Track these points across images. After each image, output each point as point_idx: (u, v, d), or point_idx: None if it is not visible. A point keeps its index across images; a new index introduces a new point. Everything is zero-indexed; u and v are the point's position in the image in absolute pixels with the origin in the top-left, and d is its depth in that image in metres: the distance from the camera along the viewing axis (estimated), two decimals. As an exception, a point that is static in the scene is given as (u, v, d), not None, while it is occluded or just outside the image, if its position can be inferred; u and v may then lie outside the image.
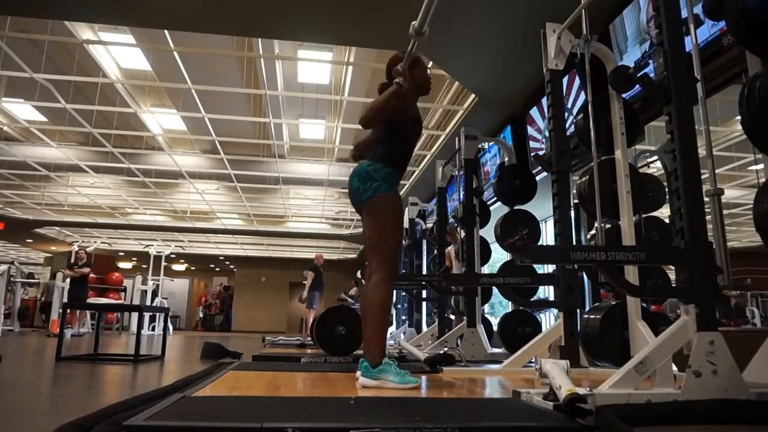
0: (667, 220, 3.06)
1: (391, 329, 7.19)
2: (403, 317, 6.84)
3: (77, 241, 12.63)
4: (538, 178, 4.73)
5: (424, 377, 2.54)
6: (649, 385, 1.70)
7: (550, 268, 4.18)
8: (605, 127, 2.47)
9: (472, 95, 6.03)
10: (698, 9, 2.79)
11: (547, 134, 5.09)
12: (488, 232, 4.82)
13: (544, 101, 3.00)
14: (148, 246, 13.82)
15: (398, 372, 2.14)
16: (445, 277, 3.94)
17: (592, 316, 2.51)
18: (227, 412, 1.45)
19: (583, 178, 2.65)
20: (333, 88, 7.08)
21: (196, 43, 5.81)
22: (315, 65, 6.56)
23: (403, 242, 3.28)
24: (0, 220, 12.51)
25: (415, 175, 9.23)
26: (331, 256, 17.04)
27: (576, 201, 2.99)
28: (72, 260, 9.96)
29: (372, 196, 2.33)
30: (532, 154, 5.46)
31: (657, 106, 1.86)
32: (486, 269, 5.11)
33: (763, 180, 1.98)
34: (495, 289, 4.69)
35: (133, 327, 9.81)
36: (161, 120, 8.40)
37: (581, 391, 1.43)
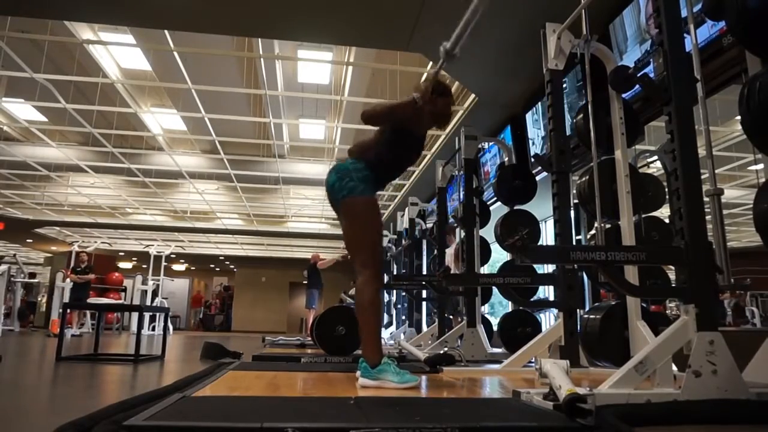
0: (667, 220, 3.06)
1: (391, 329, 7.19)
2: (403, 317, 6.84)
3: (77, 241, 12.62)
4: (538, 178, 4.73)
5: (423, 377, 2.54)
6: (649, 385, 1.70)
7: (550, 268, 4.18)
8: (605, 127, 2.47)
9: (472, 95, 6.03)
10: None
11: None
12: (488, 232, 4.82)
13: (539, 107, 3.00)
14: (148, 246, 13.82)
15: (397, 371, 2.14)
16: (445, 277, 3.93)
17: (592, 316, 2.51)
18: (227, 412, 1.45)
19: (583, 178, 2.65)
20: (333, 88, 7.08)
21: (196, 43, 5.81)
22: (315, 65, 6.56)
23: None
24: (0, 220, 12.51)
25: (415, 175, 9.23)
26: (331, 256, 17.02)
27: (576, 201, 2.99)
28: (73, 263, 9.96)
29: (347, 195, 2.30)
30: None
31: (657, 106, 1.86)
32: (486, 269, 5.12)
33: (763, 180, 1.98)
34: (495, 289, 4.70)
35: (133, 327, 9.81)
36: (161, 120, 8.40)
37: (581, 391, 1.43)
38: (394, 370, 2.14)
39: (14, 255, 10.80)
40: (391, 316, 7.77)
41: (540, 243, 4.68)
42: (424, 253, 6.87)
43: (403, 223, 7.06)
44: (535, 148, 5.34)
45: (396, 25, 4.49)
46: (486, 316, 4.86)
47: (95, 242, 13.16)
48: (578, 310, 2.71)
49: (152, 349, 5.54)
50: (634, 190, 2.33)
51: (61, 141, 9.13)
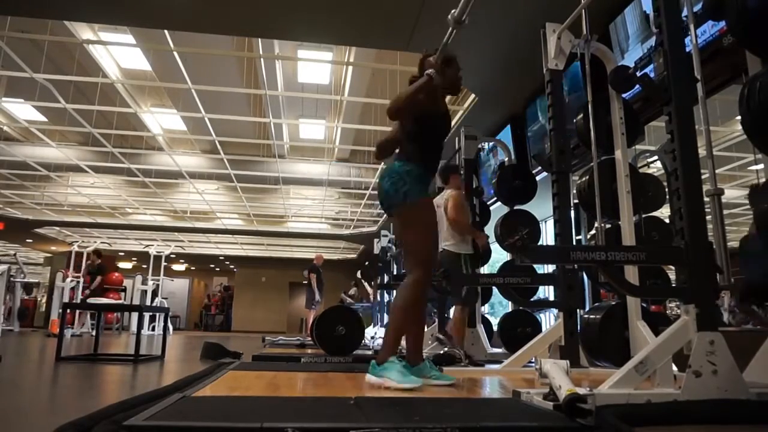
0: (667, 220, 3.06)
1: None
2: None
3: (77, 241, 12.61)
4: (538, 178, 4.74)
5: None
6: (649, 385, 1.70)
7: (550, 268, 4.18)
8: (605, 127, 2.47)
9: (472, 95, 6.03)
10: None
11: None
12: (488, 232, 4.82)
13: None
14: (148, 246, 13.81)
15: (401, 371, 2.10)
16: (445, 277, 3.93)
17: (592, 316, 2.51)
18: (227, 412, 1.45)
19: (583, 178, 2.66)
20: (333, 88, 7.08)
21: (196, 43, 5.80)
22: (315, 65, 6.56)
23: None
24: (0, 220, 12.51)
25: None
26: (331, 256, 17.03)
27: (576, 201, 2.99)
28: (84, 266, 9.93)
29: (403, 202, 2.27)
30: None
31: (657, 106, 1.86)
32: (486, 269, 5.12)
33: (763, 180, 1.98)
34: (495, 289, 4.70)
35: (133, 327, 9.81)
36: (161, 120, 8.40)
37: (581, 391, 1.43)
38: (398, 369, 2.10)
39: (14, 254, 10.77)
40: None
41: (540, 243, 4.68)
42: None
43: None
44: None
45: (396, 25, 4.49)
46: (486, 316, 4.87)
47: (95, 242, 13.15)
48: (578, 310, 2.72)
49: (152, 349, 5.54)
50: (634, 190, 2.33)
51: (61, 141, 9.13)
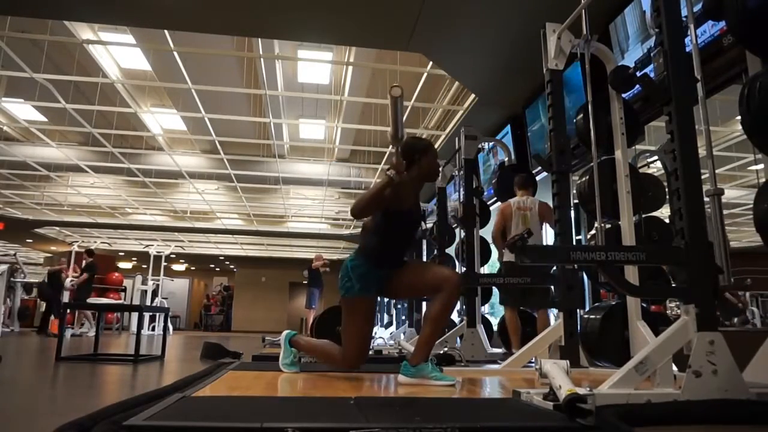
0: (667, 220, 3.06)
1: (391, 329, 7.19)
2: (403, 317, 6.84)
3: (77, 241, 12.61)
4: (538, 178, 4.74)
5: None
6: (649, 385, 1.70)
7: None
8: (605, 127, 2.47)
9: (472, 95, 6.03)
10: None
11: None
12: (488, 232, 4.82)
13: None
14: (148, 246, 13.81)
15: (435, 370, 2.29)
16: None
17: (592, 316, 2.51)
18: (227, 412, 1.45)
19: (583, 178, 2.66)
20: (333, 88, 7.08)
21: (196, 43, 5.80)
22: (315, 65, 6.56)
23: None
24: (0, 220, 12.51)
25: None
26: (331, 256, 17.03)
27: (576, 201, 2.99)
28: (73, 264, 9.96)
29: (344, 295, 2.45)
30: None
31: (657, 106, 1.86)
32: (486, 269, 5.12)
33: (763, 180, 1.98)
34: (495, 289, 4.70)
35: (133, 327, 9.81)
36: (161, 120, 8.40)
37: (581, 391, 1.43)
38: (432, 368, 2.29)
39: (14, 254, 10.77)
40: (391, 316, 7.77)
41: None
42: (424, 253, 6.87)
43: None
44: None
45: (396, 25, 4.49)
46: (486, 316, 4.87)
47: (95, 242, 13.16)
48: (578, 310, 2.72)
49: (152, 349, 5.54)
50: (634, 190, 2.33)
51: (61, 141, 9.13)
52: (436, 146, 7.97)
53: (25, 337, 8.47)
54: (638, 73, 2.06)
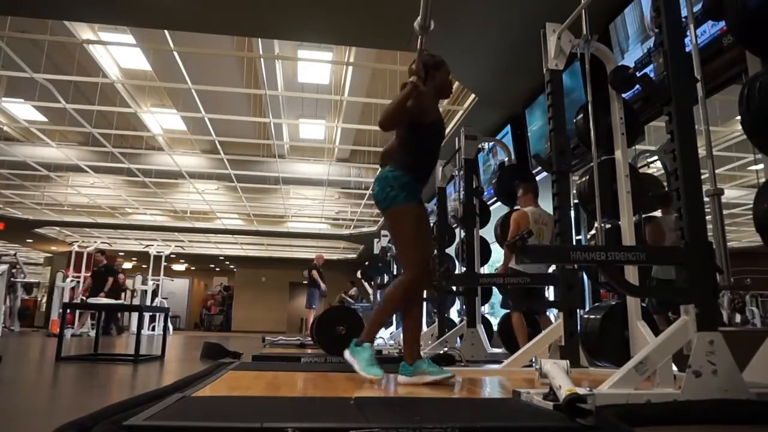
0: (667, 220, 3.05)
1: (392, 329, 7.19)
2: (403, 317, 6.84)
3: (77, 241, 12.61)
4: (538, 178, 4.74)
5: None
6: (649, 385, 1.70)
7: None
8: (605, 127, 2.47)
9: (472, 95, 6.02)
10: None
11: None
12: (488, 232, 4.82)
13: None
14: (148, 246, 13.82)
15: (431, 365, 2.29)
16: (446, 277, 3.94)
17: (592, 316, 2.51)
18: (227, 412, 1.45)
19: (583, 178, 2.65)
20: (333, 88, 7.08)
21: (196, 43, 5.80)
22: (315, 65, 6.56)
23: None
24: (0, 220, 12.51)
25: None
26: (331, 256, 17.03)
27: (576, 201, 2.99)
28: (80, 265, 9.91)
29: (389, 206, 2.34)
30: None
31: (657, 106, 1.86)
32: (486, 269, 5.12)
33: (763, 180, 1.98)
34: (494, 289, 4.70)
35: (133, 327, 9.81)
36: (161, 120, 8.40)
37: (581, 391, 1.43)
38: (428, 365, 2.28)
39: (15, 254, 10.77)
40: (394, 312, 7.77)
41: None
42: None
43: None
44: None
45: (396, 25, 4.49)
46: (486, 316, 4.87)
47: (95, 242, 13.15)
48: (578, 310, 2.72)
49: (152, 349, 5.54)
50: (634, 190, 2.33)
51: (61, 141, 9.13)
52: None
53: (25, 337, 8.47)
54: (638, 73, 2.06)
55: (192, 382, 2.16)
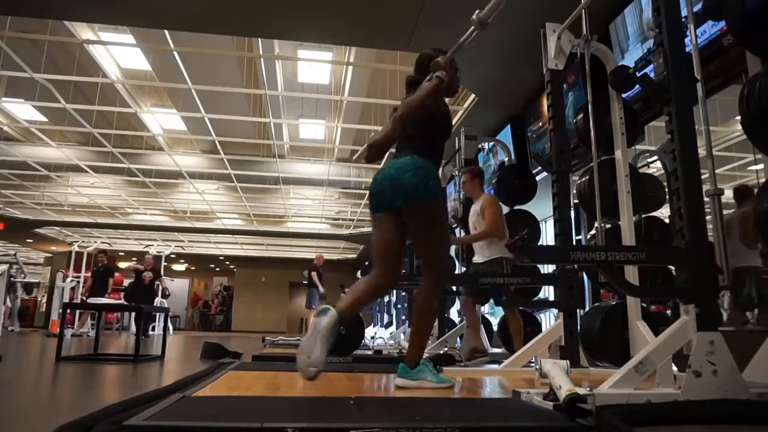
0: (667, 220, 3.06)
1: (391, 329, 7.19)
2: (403, 317, 6.84)
3: (77, 241, 12.61)
4: (538, 178, 4.74)
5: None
6: (649, 385, 1.70)
7: (550, 268, 4.18)
8: (605, 127, 2.47)
9: (472, 95, 6.03)
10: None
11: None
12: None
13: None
14: (148, 246, 13.82)
15: (434, 372, 2.21)
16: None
17: (592, 316, 2.51)
18: (227, 412, 1.45)
19: (583, 178, 2.66)
20: (333, 88, 7.08)
21: (196, 43, 5.81)
22: (315, 65, 6.56)
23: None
24: (0, 220, 12.50)
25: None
26: (331, 256, 17.03)
27: (576, 201, 2.99)
28: (80, 265, 9.90)
29: (430, 201, 2.15)
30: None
31: (657, 106, 1.86)
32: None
33: (763, 180, 1.98)
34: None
35: (133, 327, 9.81)
36: (161, 120, 8.40)
37: (581, 391, 1.43)
38: (431, 371, 2.20)
39: (15, 254, 10.77)
40: (391, 316, 7.77)
41: (540, 243, 4.68)
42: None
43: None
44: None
45: (396, 25, 4.49)
46: (486, 316, 4.87)
47: (95, 242, 13.15)
48: (578, 310, 2.72)
49: (152, 349, 5.54)
50: (634, 190, 2.33)
51: (61, 141, 9.13)
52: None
53: (25, 337, 8.47)
54: (638, 73, 2.06)
55: (192, 382, 2.15)
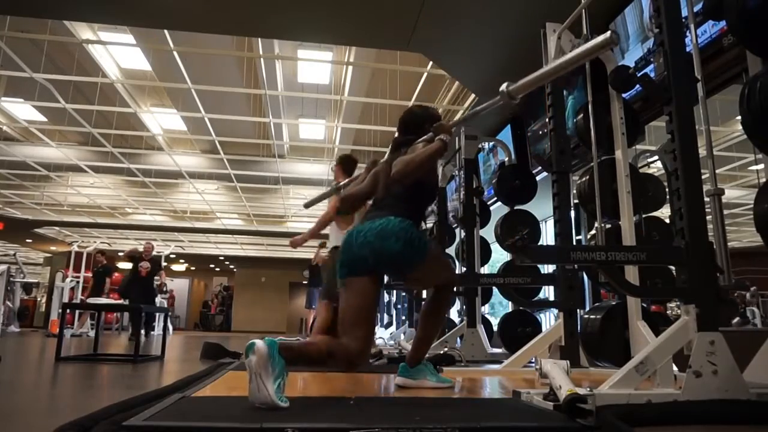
0: (667, 220, 3.06)
1: (391, 329, 7.19)
2: (403, 317, 6.84)
3: (77, 241, 12.61)
4: (538, 178, 4.74)
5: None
6: (649, 385, 1.70)
7: (550, 268, 4.18)
8: (605, 127, 2.47)
9: (472, 95, 6.02)
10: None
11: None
12: (488, 232, 4.82)
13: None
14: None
15: (433, 372, 2.24)
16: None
17: (592, 316, 2.51)
18: (227, 412, 1.45)
19: (583, 178, 2.65)
20: (333, 88, 7.08)
21: (196, 43, 5.80)
22: (315, 65, 6.56)
23: None
24: (0, 220, 12.50)
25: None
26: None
27: (576, 201, 2.99)
28: (79, 265, 9.91)
29: (424, 257, 2.07)
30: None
31: (657, 106, 1.86)
32: (486, 269, 5.12)
33: (763, 180, 1.98)
34: (495, 289, 4.70)
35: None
36: (161, 120, 8.40)
37: (581, 391, 1.43)
38: (431, 371, 2.23)
39: (14, 254, 10.78)
40: (391, 316, 7.78)
41: (540, 243, 4.68)
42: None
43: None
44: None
45: (396, 25, 4.49)
46: (486, 316, 4.87)
47: (95, 242, 13.15)
48: (578, 310, 2.71)
49: (152, 349, 5.54)
50: (634, 190, 2.33)
51: (61, 141, 9.13)
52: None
53: (24, 337, 8.47)
54: (638, 73, 2.06)
55: (192, 382, 2.15)
